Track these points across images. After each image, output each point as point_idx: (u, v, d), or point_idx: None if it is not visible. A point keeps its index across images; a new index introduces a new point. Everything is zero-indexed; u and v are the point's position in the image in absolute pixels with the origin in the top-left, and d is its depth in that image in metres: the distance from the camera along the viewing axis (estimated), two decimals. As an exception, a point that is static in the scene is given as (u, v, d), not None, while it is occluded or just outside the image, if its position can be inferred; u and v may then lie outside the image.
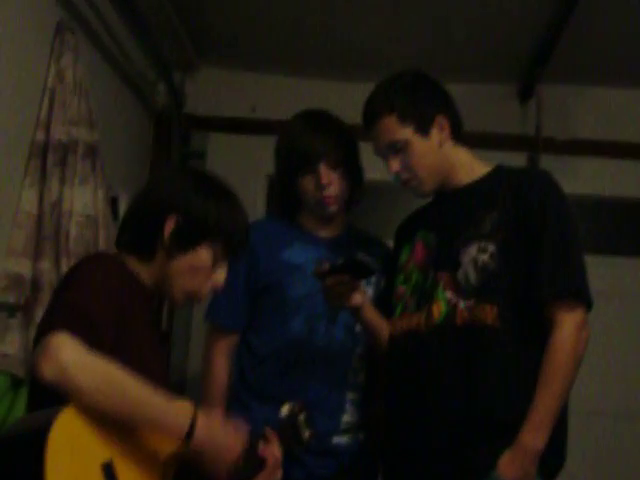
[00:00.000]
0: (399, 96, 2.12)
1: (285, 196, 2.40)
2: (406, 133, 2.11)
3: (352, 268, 2.02)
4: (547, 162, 3.48)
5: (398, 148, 2.12)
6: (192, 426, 1.55)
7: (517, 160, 3.49)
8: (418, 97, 2.14)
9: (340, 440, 2.31)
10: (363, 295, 2.14)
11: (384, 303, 2.26)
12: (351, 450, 2.33)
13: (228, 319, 2.39)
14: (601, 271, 3.28)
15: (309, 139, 2.29)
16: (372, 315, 2.19)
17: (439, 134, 2.13)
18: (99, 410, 1.47)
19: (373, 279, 2.35)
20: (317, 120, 2.36)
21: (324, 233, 2.41)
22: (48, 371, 1.43)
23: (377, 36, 3.41)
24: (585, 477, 3.36)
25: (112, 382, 1.48)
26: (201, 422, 1.57)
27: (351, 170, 2.35)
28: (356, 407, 2.34)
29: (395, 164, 2.14)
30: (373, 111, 2.15)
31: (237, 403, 2.35)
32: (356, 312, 2.16)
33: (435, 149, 2.13)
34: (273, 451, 1.84)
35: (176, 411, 1.56)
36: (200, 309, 3.44)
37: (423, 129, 2.12)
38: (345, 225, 2.45)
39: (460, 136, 2.20)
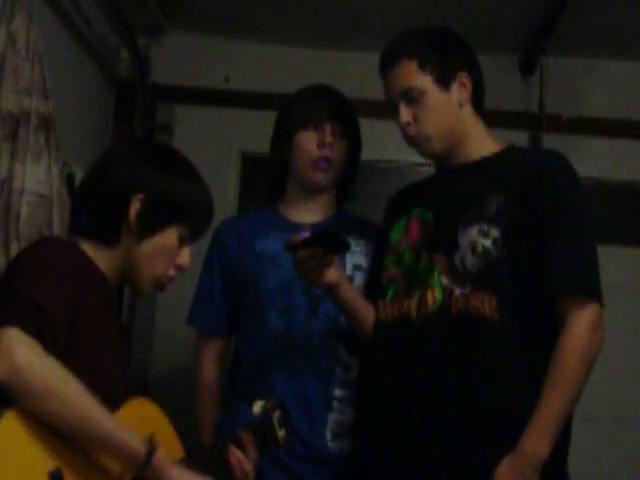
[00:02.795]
0: (423, 43, 2.14)
1: (276, 166, 2.44)
2: (424, 81, 2.11)
3: (325, 241, 2.03)
4: (551, 142, 3.47)
5: (412, 97, 2.11)
6: (149, 454, 1.57)
7: (518, 139, 3.44)
8: (443, 48, 2.15)
9: (334, 446, 2.32)
10: (338, 272, 2.13)
11: (371, 286, 2.27)
12: (347, 457, 2.32)
13: (208, 324, 2.47)
14: (608, 262, 3.27)
15: (319, 102, 2.38)
16: (350, 295, 2.19)
17: (459, 92, 2.13)
18: (50, 418, 1.47)
19: (364, 265, 2.36)
20: (327, 90, 2.45)
21: (307, 217, 2.41)
22: (0, 370, 1.43)
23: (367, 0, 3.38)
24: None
25: (68, 390, 1.49)
26: (159, 455, 1.59)
27: (352, 149, 2.41)
28: (347, 406, 2.34)
29: (406, 114, 2.13)
30: (393, 53, 2.15)
31: (226, 407, 2.42)
32: (331, 291, 2.15)
33: (452, 107, 2.13)
34: (240, 459, 1.85)
35: (132, 437, 1.57)
36: (163, 302, 3.46)
37: (443, 81, 2.12)
38: (332, 209, 2.47)
39: (481, 107, 2.19)
